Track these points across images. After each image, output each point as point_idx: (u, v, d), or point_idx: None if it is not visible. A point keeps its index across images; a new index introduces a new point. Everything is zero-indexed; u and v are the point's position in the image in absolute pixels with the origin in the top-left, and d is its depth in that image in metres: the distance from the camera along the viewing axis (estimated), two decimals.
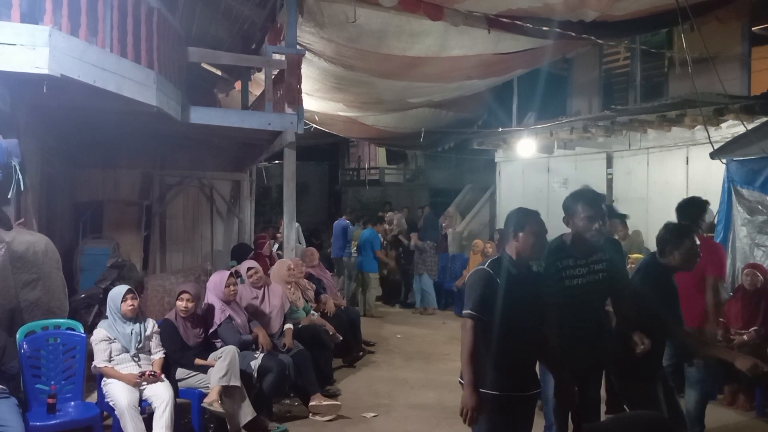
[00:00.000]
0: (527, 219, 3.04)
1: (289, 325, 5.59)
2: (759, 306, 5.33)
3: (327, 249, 12.27)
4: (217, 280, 5.12)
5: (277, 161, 12.90)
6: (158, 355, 4.55)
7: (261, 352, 4.99)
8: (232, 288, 5.09)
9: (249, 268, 5.65)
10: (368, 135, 13.71)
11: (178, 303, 4.74)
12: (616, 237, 7.72)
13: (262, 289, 5.59)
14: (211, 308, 5.00)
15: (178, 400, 4.42)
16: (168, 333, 4.69)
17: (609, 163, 10.00)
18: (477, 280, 2.99)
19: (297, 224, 7.95)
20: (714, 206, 7.08)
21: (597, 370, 3.45)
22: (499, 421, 2.96)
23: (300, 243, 10.33)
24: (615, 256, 3.38)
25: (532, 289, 3.04)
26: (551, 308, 3.09)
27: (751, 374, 3.13)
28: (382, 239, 10.52)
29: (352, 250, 10.62)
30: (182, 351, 4.68)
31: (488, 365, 2.96)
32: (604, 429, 1.99)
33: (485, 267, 3.01)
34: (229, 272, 5.23)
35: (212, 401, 4.34)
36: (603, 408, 3.70)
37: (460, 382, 3.01)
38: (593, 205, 3.25)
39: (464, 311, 2.98)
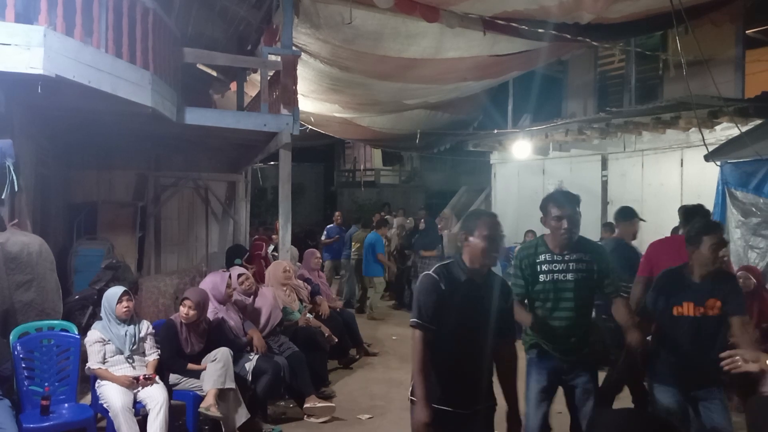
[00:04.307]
0: (477, 222, 2.86)
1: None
2: (752, 308, 5.33)
3: (322, 251, 12.25)
4: (217, 280, 5.09)
5: (272, 162, 12.88)
6: (152, 356, 4.53)
7: (255, 354, 4.98)
8: (230, 290, 5.09)
9: (240, 275, 5.54)
10: (364, 136, 13.71)
11: (181, 308, 4.66)
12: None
13: (252, 297, 5.56)
14: (220, 322, 4.94)
15: (172, 401, 4.40)
16: (167, 335, 4.63)
17: (604, 165, 10.04)
18: (421, 287, 2.83)
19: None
20: (708, 208, 7.14)
21: (580, 367, 3.42)
22: None
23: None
24: (600, 259, 3.43)
25: (483, 297, 2.84)
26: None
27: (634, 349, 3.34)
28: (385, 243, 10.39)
29: (352, 252, 10.53)
30: (175, 358, 4.59)
31: (432, 377, 2.78)
32: (602, 426, 1.99)
33: (431, 272, 2.83)
34: (228, 274, 5.22)
35: (209, 405, 4.31)
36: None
37: (411, 400, 2.83)
38: (561, 205, 3.35)
39: (410, 320, 2.81)
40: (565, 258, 3.36)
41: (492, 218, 2.88)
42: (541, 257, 3.38)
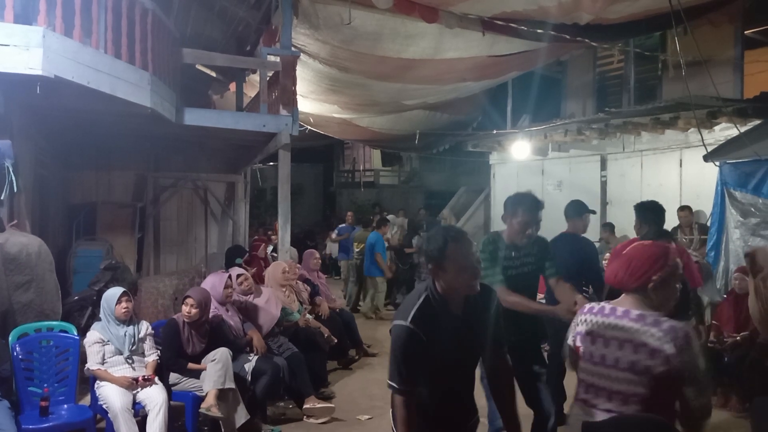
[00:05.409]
0: (445, 251, 2.37)
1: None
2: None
3: (322, 251, 12.28)
4: (217, 281, 5.09)
5: (271, 163, 12.88)
6: (152, 357, 4.53)
7: (255, 355, 4.98)
8: (229, 290, 5.08)
9: (239, 275, 5.57)
10: (363, 137, 13.71)
11: (183, 307, 4.66)
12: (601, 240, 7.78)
13: (250, 296, 5.56)
14: (220, 322, 4.93)
15: (171, 402, 4.40)
16: (168, 334, 4.62)
17: (603, 166, 10.04)
18: (398, 342, 2.37)
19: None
20: (707, 208, 7.15)
21: (533, 356, 3.71)
22: None
23: None
24: (544, 249, 3.75)
25: (468, 325, 2.44)
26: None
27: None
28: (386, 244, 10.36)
29: (354, 253, 10.53)
30: (176, 358, 4.59)
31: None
32: (603, 429, 1.99)
33: (407, 323, 2.35)
34: (227, 275, 5.22)
35: (210, 406, 4.31)
36: None
37: None
38: (531, 212, 3.61)
39: (388, 383, 2.41)
40: (520, 254, 3.65)
41: (461, 242, 2.40)
42: (503, 253, 3.61)
